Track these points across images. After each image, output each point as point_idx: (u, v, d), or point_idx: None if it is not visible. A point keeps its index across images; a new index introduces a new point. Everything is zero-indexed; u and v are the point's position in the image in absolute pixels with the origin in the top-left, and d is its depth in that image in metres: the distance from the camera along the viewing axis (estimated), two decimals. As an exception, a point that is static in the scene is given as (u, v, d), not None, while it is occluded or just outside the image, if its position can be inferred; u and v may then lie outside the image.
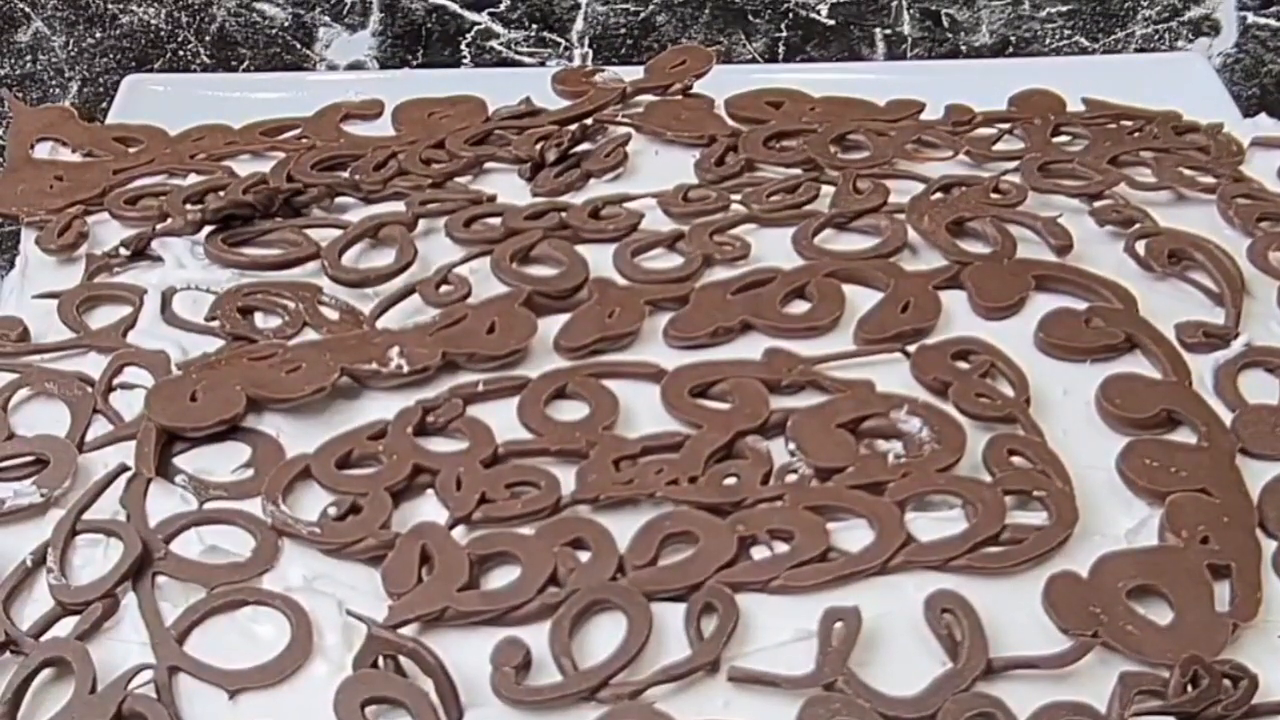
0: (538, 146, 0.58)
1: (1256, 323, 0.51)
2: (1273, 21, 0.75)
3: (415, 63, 0.71)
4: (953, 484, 0.44)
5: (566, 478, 0.44)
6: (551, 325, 0.49)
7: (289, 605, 0.40)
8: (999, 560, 0.42)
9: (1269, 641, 0.41)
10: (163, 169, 0.58)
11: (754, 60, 0.71)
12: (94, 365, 0.48)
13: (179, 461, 0.45)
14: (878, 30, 0.73)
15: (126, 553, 0.41)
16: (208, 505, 0.44)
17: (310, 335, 0.50)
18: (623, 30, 0.73)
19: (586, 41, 0.72)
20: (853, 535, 0.43)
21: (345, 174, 0.57)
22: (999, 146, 0.59)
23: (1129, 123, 0.61)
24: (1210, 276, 0.52)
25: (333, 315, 0.51)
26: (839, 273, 0.52)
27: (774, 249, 0.53)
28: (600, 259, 0.52)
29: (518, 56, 0.71)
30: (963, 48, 0.74)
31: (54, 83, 0.68)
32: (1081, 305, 0.51)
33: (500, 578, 0.42)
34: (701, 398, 0.47)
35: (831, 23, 0.74)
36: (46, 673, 0.39)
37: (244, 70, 0.70)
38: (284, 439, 0.46)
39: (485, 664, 0.39)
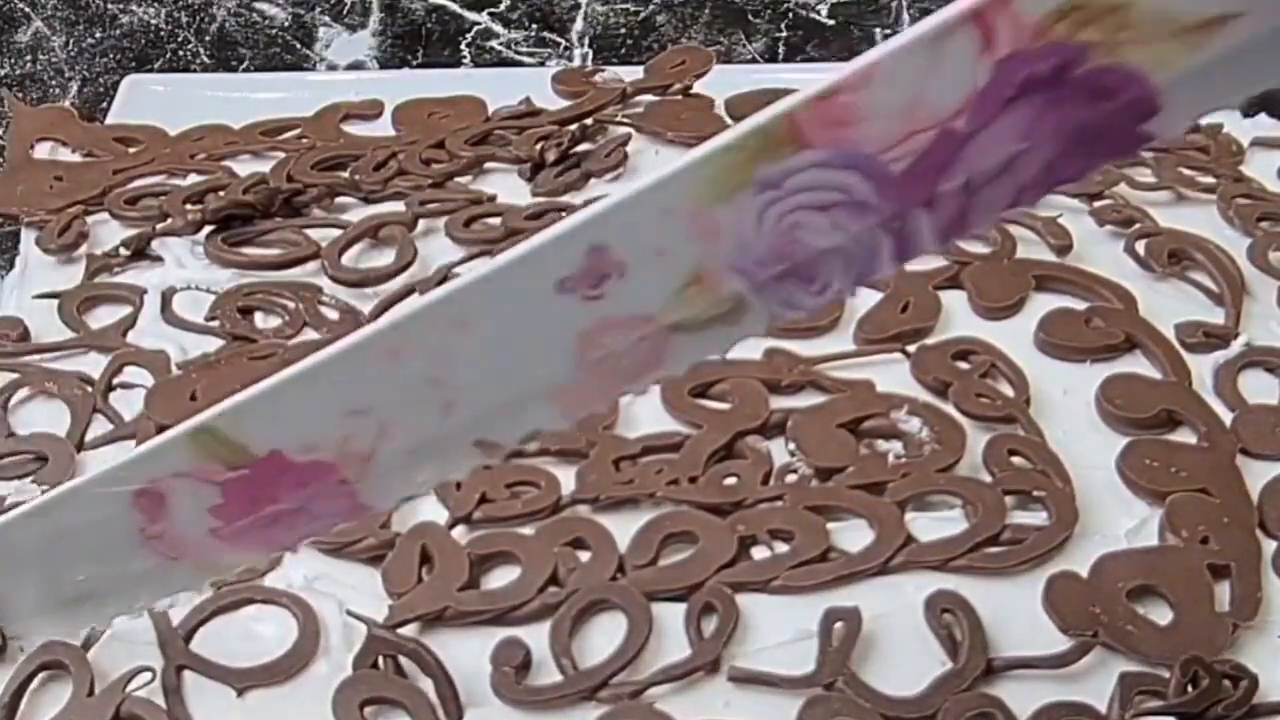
0: (538, 146, 0.58)
1: (1256, 323, 0.51)
2: (1273, 21, 0.75)
3: (415, 63, 0.71)
4: (953, 484, 0.44)
5: (566, 478, 0.44)
6: (551, 325, 0.49)
7: (296, 604, 0.40)
8: (999, 560, 0.42)
9: (1269, 641, 0.41)
10: (163, 169, 0.58)
11: (754, 60, 0.71)
12: (94, 365, 0.48)
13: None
14: (878, 30, 0.73)
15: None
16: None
17: (310, 335, 0.50)
18: (623, 30, 0.73)
19: (586, 41, 0.72)
20: (853, 535, 0.43)
21: (345, 174, 0.57)
22: (999, 146, 0.59)
23: (1129, 123, 0.61)
24: (1210, 276, 0.52)
25: (333, 315, 0.51)
26: (839, 273, 0.52)
27: (774, 249, 0.53)
28: (600, 259, 0.52)
29: (518, 56, 0.71)
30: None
31: (54, 83, 0.68)
32: (1081, 305, 0.51)
33: (500, 578, 0.42)
34: (701, 398, 0.47)
35: (831, 23, 0.74)
36: (44, 676, 0.38)
37: (244, 70, 0.70)
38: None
39: (485, 664, 0.39)
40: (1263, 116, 0.62)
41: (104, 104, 0.64)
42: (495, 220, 0.55)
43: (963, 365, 0.48)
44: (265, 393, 0.31)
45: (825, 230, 0.27)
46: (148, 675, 0.38)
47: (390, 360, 0.30)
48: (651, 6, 0.74)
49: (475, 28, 0.73)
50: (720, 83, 0.62)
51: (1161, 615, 0.41)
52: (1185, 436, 0.46)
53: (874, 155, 0.26)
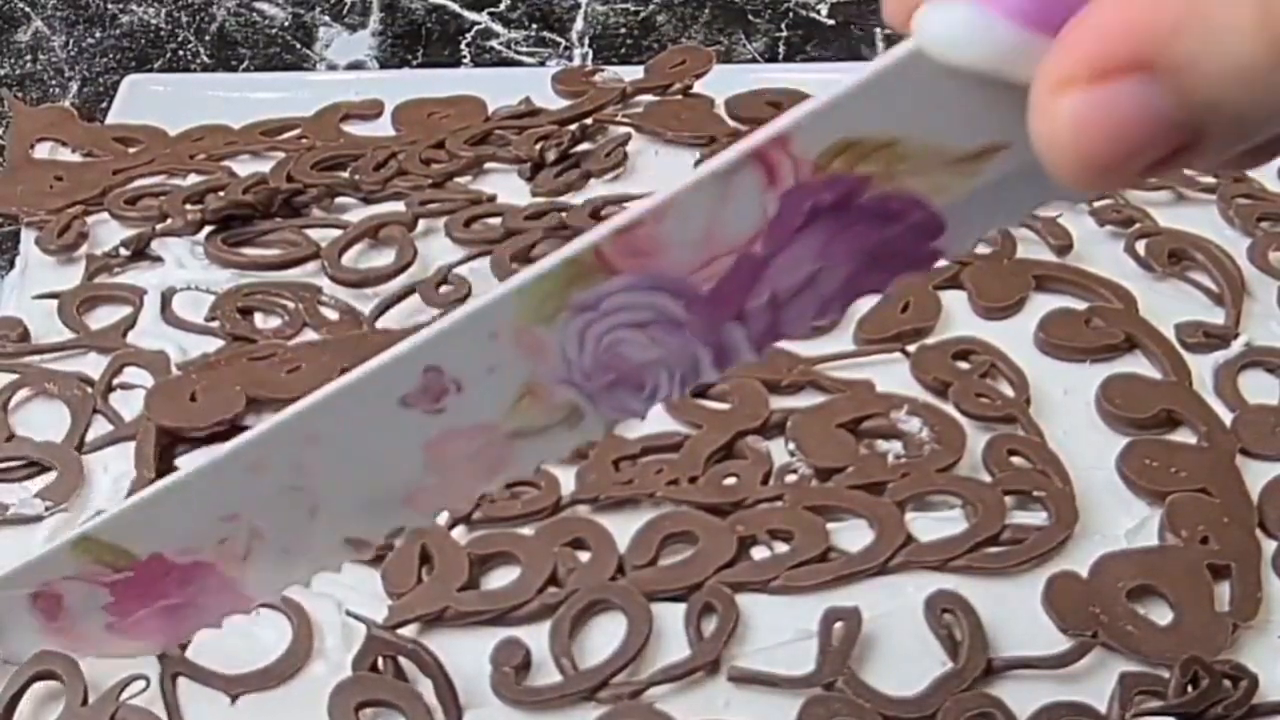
0: (538, 146, 0.58)
1: (1256, 323, 0.51)
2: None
3: (415, 63, 0.71)
4: (953, 484, 0.44)
5: (566, 478, 0.44)
6: (551, 325, 0.49)
7: (290, 606, 0.40)
8: (999, 560, 0.42)
9: (1269, 641, 0.41)
10: (163, 169, 0.58)
11: (754, 60, 0.71)
12: (94, 365, 0.48)
13: (183, 461, 0.45)
14: (878, 30, 0.73)
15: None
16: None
17: (310, 335, 0.50)
18: (623, 30, 0.73)
19: (586, 41, 0.72)
20: (853, 535, 0.43)
21: (345, 174, 0.57)
22: (999, 146, 0.59)
23: (1129, 123, 0.61)
24: (1210, 276, 0.52)
25: (333, 315, 0.51)
26: (839, 273, 0.52)
27: (774, 249, 0.53)
28: (600, 259, 0.52)
29: (518, 56, 0.71)
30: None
31: (54, 83, 0.68)
32: (1081, 305, 0.51)
33: (500, 578, 0.42)
34: (701, 398, 0.47)
35: (831, 23, 0.74)
36: (38, 686, 0.38)
37: (244, 70, 0.70)
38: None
39: (485, 664, 0.39)
40: (1263, 116, 0.62)
41: (104, 104, 0.64)
42: (495, 220, 0.55)
43: (963, 365, 0.48)
44: (143, 502, 0.33)
45: (644, 345, 0.29)
46: (141, 684, 0.38)
47: (253, 472, 0.32)
48: (651, 6, 0.74)
49: (475, 28, 0.73)
50: (720, 83, 0.62)
51: (1161, 615, 0.41)
52: (1185, 436, 0.46)
53: (680, 278, 0.28)
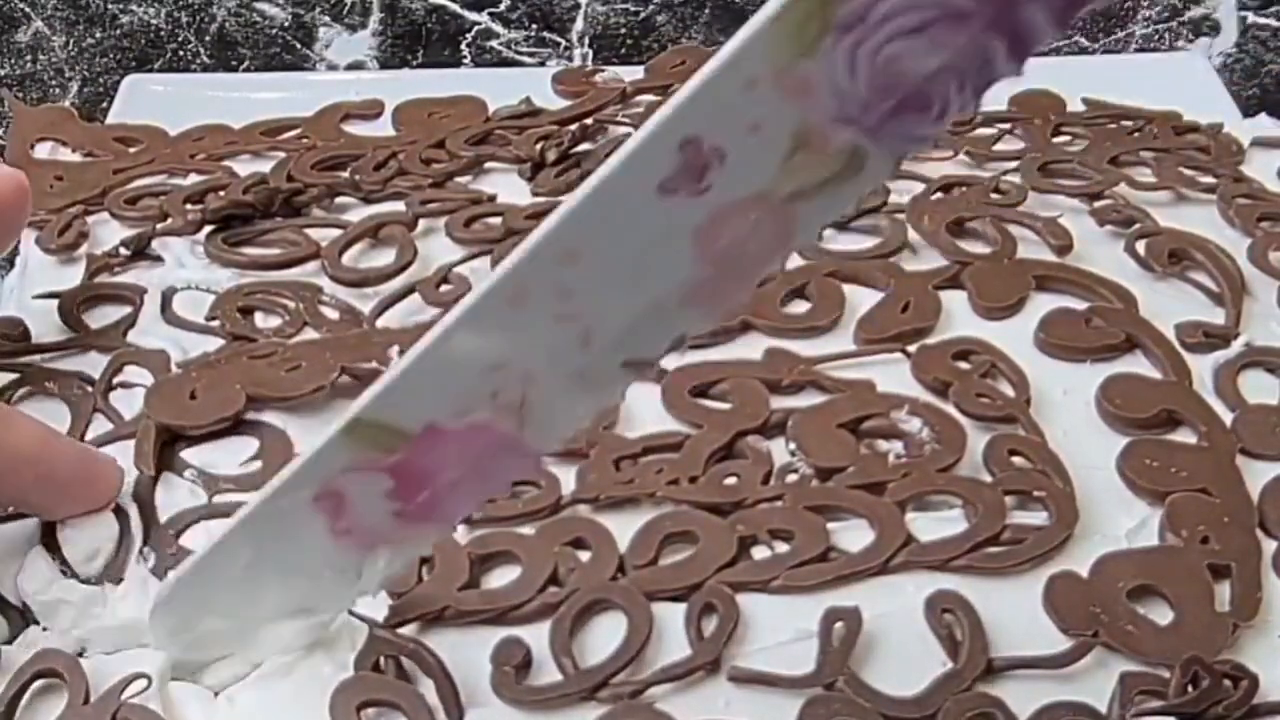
0: (538, 146, 0.58)
1: (1256, 323, 0.51)
2: (1273, 21, 0.75)
3: (415, 63, 0.71)
4: (953, 484, 0.44)
5: (566, 478, 0.44)
6: (552, 325, 0.49)
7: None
8: (999, 560, 0.42)
9: (1269, 641, 0.41)
10: (163, 169, 0.58)
11: (754, 60, 0.71)
12: (94, 365, 0.48)
13: (186, 456, 0.45)
14: (878, 30, 0.73)
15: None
16: (216, 499, 0.43)
17: (311, 334, 0.50)
18: (623, 30, 0.73)
19: (586, 41, 0.72)
20: (853, 535, 0.43)
21: (345, 174, 0.57)
22: (999, 146, 0.59)
23: (1129, 123, 0.61)
24: (1210, 276, 0.52)
25: (333, 315, 0.51)
26: (839, 272, 0.52)
27: (774, 249, 0.53)
28: (600, 259, 0.52)
29: (518, 56, 0.71)
30: (963, 48, 0.74)
31: (54, 83, 0.68)
32: (1081, 305, 0.51)
33: (500, 577, 0.42)
34: (701, 398, 0.47)
35: (831, 23, 0.74)
36: (38, 685, 0.38)
37: (244, 70, 0.70)
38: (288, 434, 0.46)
39: (485, 663, 0.39)
40: (1263, 116, 0.62)
41: (104, 104, 0.64)
42: (495, 220, 0.55)
43: (963, 365, 0.48)
44: (404, 372, 0.31)
45: (926, 51, 0.25)
46: (143, 682, 0.38)
47: (514, 307, 0.29)
48: (651, 6, 0.74)
49: (475, 28, 0.73)
50: (720, 83, 0.62)
51: (1161, 615, 0.41)
52: (1185, 436, 0.46)
53: None
